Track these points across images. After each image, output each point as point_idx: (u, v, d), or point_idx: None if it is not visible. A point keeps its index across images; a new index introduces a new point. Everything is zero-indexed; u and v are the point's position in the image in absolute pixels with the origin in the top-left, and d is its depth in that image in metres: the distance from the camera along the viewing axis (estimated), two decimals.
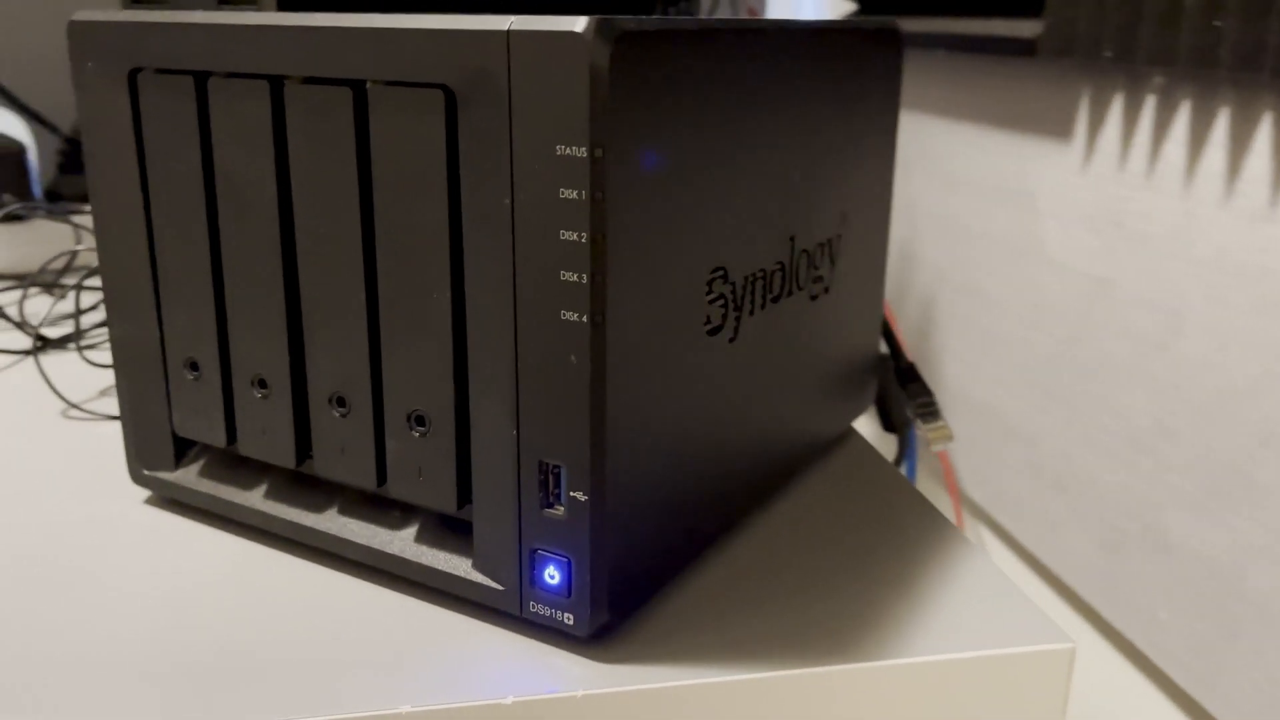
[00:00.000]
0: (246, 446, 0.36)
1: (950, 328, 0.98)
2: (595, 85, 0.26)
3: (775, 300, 0.37)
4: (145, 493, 0.40)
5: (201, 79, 0.33)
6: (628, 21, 0.26)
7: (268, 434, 0.35)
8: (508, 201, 0.28)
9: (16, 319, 0.62)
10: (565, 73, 0.26)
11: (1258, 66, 0.60)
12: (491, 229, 0.28)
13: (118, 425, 0.47)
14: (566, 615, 0.30)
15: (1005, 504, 0.90)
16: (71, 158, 0.97)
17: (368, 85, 0.29)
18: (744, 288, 0.34)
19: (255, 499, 0.36)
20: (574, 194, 0.27)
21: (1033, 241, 0.84)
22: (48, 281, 0.70)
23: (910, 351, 1.06)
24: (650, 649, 0.31)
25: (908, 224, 1.06)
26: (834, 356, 0.43)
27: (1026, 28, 0.75)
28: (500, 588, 0.31)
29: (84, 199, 0.89)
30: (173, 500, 0.39)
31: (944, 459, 0.91)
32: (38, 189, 0.80)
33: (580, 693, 0.29)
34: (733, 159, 0.32)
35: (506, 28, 0.27)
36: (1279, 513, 0.64)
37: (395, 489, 0.33)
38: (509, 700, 0.29)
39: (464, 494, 0.32)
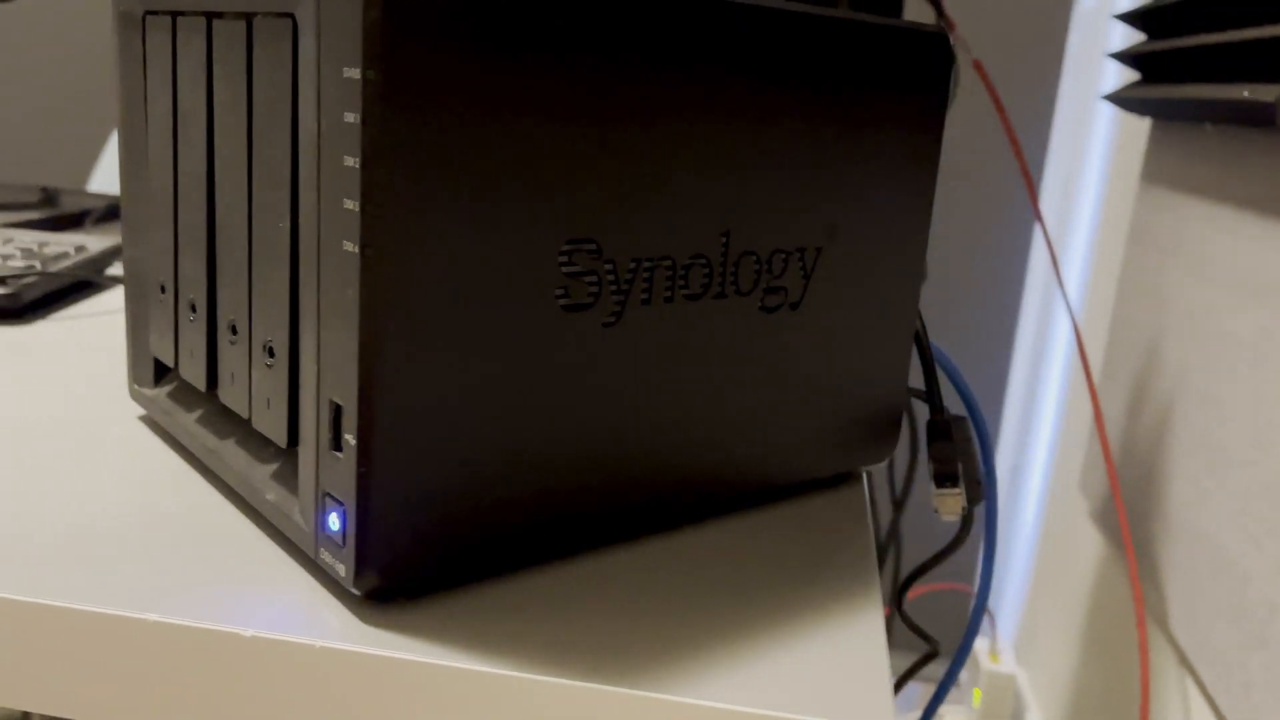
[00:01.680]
0: (183, 369, 0.38)
1: (1185, 440, 0.85)
2: (368, 5, 0.25)
3: (694, 298, 0.34)
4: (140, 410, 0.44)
5: (176, 18, 0.36)
6: None
7: (194, 357, 0.37)
8: (315, 127, 0.28)
9: None
10: None
11: None
12: (310, 157, 0.28)
13: None
14: (340, 566, 0.29)
15: (1205, 655, 0.76)
16: None
17: (254, 18, 0.31)
18: (633, 271, 0.32)
19: (189, 421, 0.38)
20: (352, 117, 0.26)
21: (1276, 345, 0.71)
22: None
23: (1138, 464, 0.92)
24: (429, 626, 0.29)
25: (1155, 319, 0.93)
26: (813, 390, 0.38)
27: (1270, 91, 0.63)
28: (307, 531, 0.31)
29: None
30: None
31: (1134, 578, 0.78)
32: None
33: (318, 643, 0.28)
34: (616, 132, 0.30)
35: None
36: None
37: (255, 420, 0.33)
38: (248, 633, 0.28)
39: (296, 430, 0.32)
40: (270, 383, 0.32)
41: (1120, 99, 0.97)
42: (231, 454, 0.35)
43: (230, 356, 0.35)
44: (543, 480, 0.31)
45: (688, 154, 0.32)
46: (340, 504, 0.29)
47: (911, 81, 0.38)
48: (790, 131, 0.35)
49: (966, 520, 0.47)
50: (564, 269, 0.30)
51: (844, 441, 0.40)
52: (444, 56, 0.26)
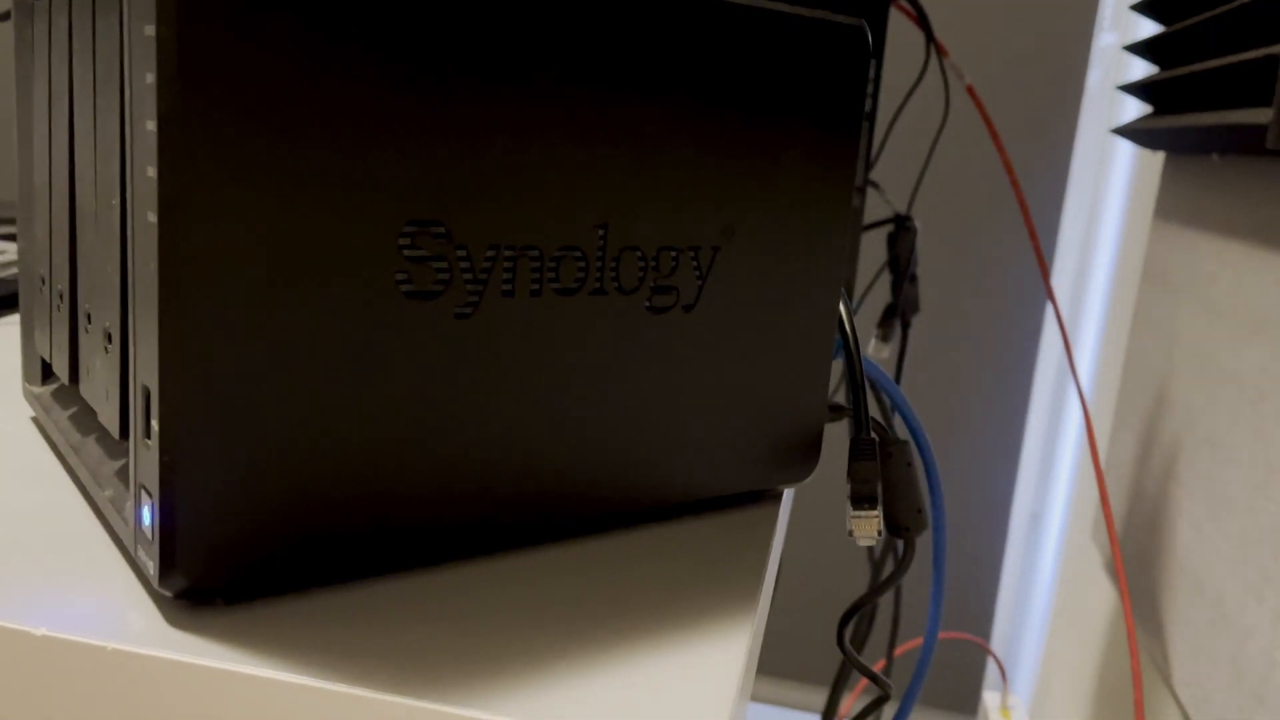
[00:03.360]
0: (55, 363, 0.36)
1: (1190, 484, 0.80)
2: None
3: (566, 293, 0.31)
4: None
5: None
6: None
7: (61, 350, 0.35)
8: (128, 91, 0.26)
9: None
10: None
11: None
12: (127, 125, 0.27)
13: None
14: (150, 564, 0.27)
15: (1208, 712, 0.71)
16: None
17: None
18: (491, 259, 0.30)
19: (63, 419, 0.37)
20: (150, 77, 0.24)
21: (1275, 383, 0.67)
22: None
23: (1145, 509, 0.88)
24: (240, 632, 0.27)
25: (1165, 359, 0.89)
26: (714, 397, 0.36)
27: (1264, 114, 0.60)
28: (128, 527, 0.29)
29: None
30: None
31: (1127, 611, 0.73)
32: None
33: (109, 645, 0.26)
34: (472, 95, 0.28)
35: None
36: None
37: (100, 413, 0.32)
38: (39, 632, 0.26)
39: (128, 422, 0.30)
40: (108, 371, 0.30)
41: (1130, 132, 0.94)
42: (88, 451, 0.34)
43: (86, 347, 0.33)
44: (380, 482, 0.29)
45: (558, 133, 0.30)
46: (151, 497, 0.27)
47: (823, 77, 0.36)
48: (680, 121, 0.32)
49: (908, 550, 0.44)
50: (406, 252, 0.28)
51: (753, 458, 0.37)
52: (246, 10, 0.25)
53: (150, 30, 0.24)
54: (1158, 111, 0.92)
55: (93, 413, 0.36)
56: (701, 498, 0.37)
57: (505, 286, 0.30)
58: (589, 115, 0.30)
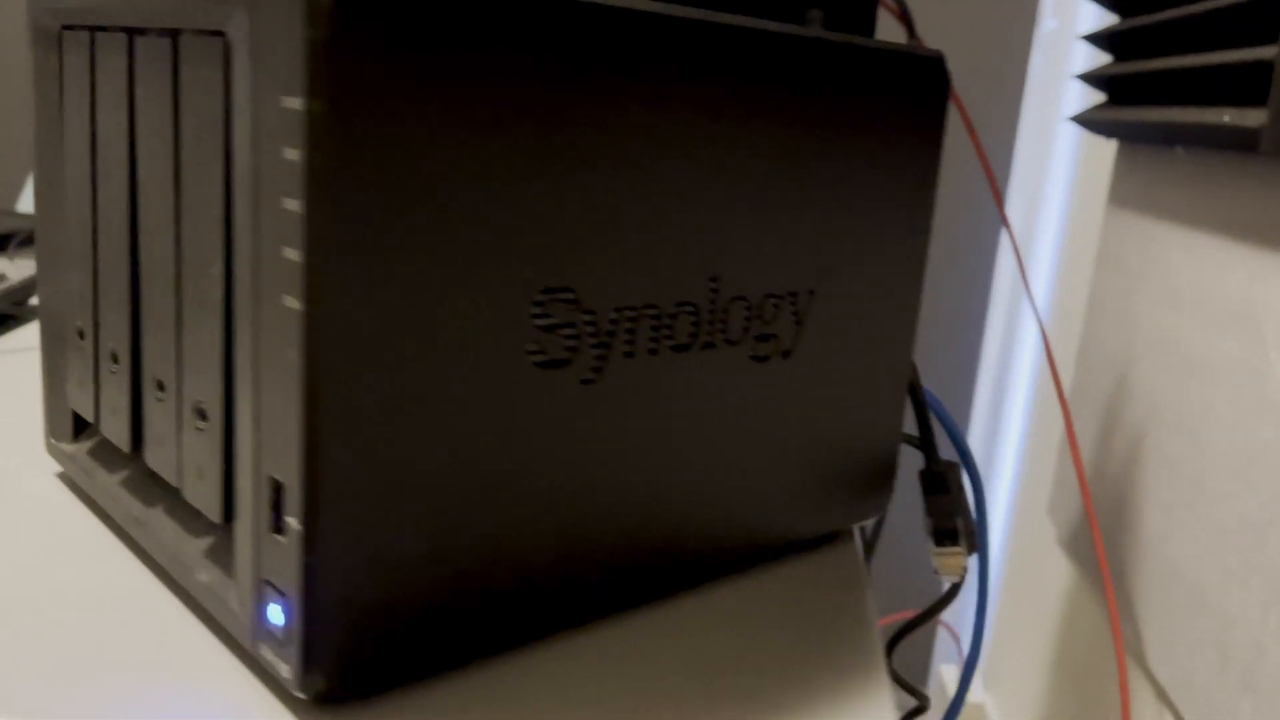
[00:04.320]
0: (104, 425, 0.34)
1: (1157, 471, 0.83)
2: (311, 24, 0.21)
3: (681, 349, 0.30)
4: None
5: (95, 34, 0.32)
6: None
7: (116, 414, 0.33)
8: (251, 162, 0.24)
9: None
10: (289, 11, 0.22)
11: None
12: (243, 194, 0.24)
13: None
14: (283, 666, 0.25)
15: (1188, 693, 0.74)
16: None
17: (180, 35, 0.27)
18: (614, 323, 0.28)
19: (112, 483, 0.34)
20: (293, 154, 0.22)
21: (1254, 378, 0.69)
22: None
23: (1110, 493, 0.91)
24: None
25: (1125, 345, 0.92)
26: (806, 444, 0.35)
27: (1254, 116, 0.62)
28: (244, 621, 0.27)
29: None
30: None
31: (1111, 605, 0.75)
32: None
33: None
34: (590, 161, 0.27)
35: None
36: None
37: (186, 490, 0.29)
38: None
39: (232, 503, 0.28)
40: (202, 449, 0.28)
41: (1087, 121, 0.96)
42: (159, 524, 0.31)
43: (157, 416, 0.31)
44: (512, 558, 0.28)
45: (674, 189, 0.29)
46: (283, 595, 0.25)
47: (906, 109, 0.35)
48: (782, 163, 0.31)
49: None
50: (538, 322, 0.27)
51: (838, 497, 0.37)
52: (398, 83, 0.23)
53: (294, 104, 0.22)
54: (1113, 101, 0.94)
55: (154, 479, 0.33)
56: (794, 540, 0.36)
57: (627, 348, 0.29)
58: (703, 165, 0.29)
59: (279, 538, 0.25)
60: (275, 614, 0.25)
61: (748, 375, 0.32)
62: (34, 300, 0.63)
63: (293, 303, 0.23)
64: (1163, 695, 0.80)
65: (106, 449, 0.36)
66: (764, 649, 0.31)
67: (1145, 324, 0.88)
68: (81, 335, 0.34)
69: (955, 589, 0.45)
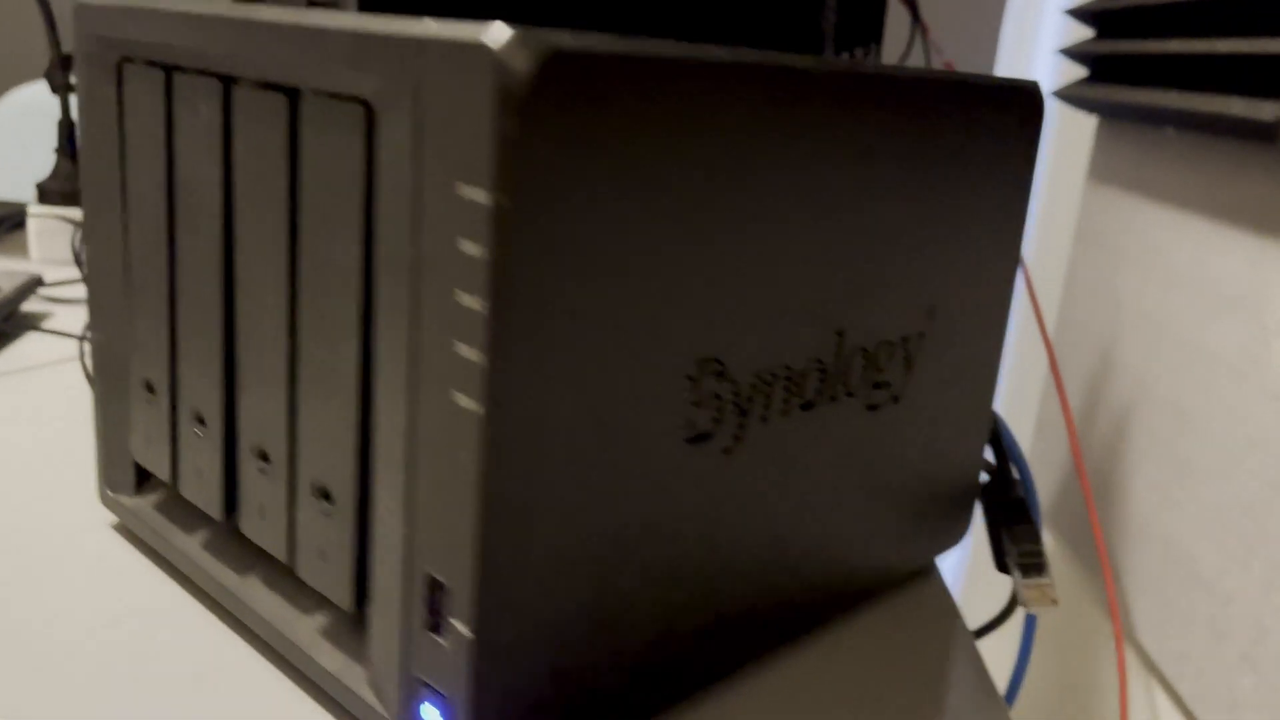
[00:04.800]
0: (185, 486, 0.32)
1: (1145, 448, 0.85)
2: (504, 114, 0.20)
3: (807, 407, 0.29)
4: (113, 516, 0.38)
5: (172, 73, 0.29)
6: (568, 38, 0.20)
7: (202, 477, 0.31)
8: (410, 248, 0.22)
9: None
10: (473, 94, 0.20)
11: None
12: (394, 278, 0.23)
13: None
14: None
15: (1183, 667, 0.76)
16: None
17: (302, 94, 0.25)
18: (753, 388, 0.27)
19: (192, 546, 0.32)
20: (474, 249, 0.21)
21: (1254, 363, 0.71)
22: None
23: (1093, 467, 0.93)
24: None
25: (1109, 322, 0.93)
26: (903, 482, 0.34)
27: (1269, 109, 0.63)
28: (385, 715, 0.26)
29: None
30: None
31: (1109, 581, 0.78)
32: None
33: None
34: (737, 227, 0.25)
35: (424, 34, 0.21)
36: None
37: (301, 569, 0.28)
38: None
39: (365, 591, 0.26)
40: (327, 532, 0.27)
41: (1070, 97, 0.96)
42: (257, 596, 0.30)
43: (259, 486, 0.29)
44: (660, 628, 0.27)
45: (806, 245, 0.28)
46: (441, 695, 0.24)
47: (1006, 139, 0.34)
48: (895, 207, 0.31)
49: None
50: (689, 398, 0.25)
51: (927, 530, 0.37)
52: (584, 174, 0.21)
53: (477, 195, 0.20)
54: (1095, 77, 0.94)
55: (239, 541, 0.32)
56: (891, 578, 0.36)
57: (763, 412, 0.28)
58: (833, 216, 0.28)
59: (438, 638, 0.24)
60: (430, 713, 0.24)
61: (862, 423, 0.32)
62: (28, 306, 0.59)
63: (468, 403, 0.21)
64: (1151, 666, 0.83)
65: (176, 505, 0.34)
66: (893, 685, 0.30)
67: (1132, 303, 0.90)
68: (151, 389, 0.32)
69: (1005, 614, 0.45)
